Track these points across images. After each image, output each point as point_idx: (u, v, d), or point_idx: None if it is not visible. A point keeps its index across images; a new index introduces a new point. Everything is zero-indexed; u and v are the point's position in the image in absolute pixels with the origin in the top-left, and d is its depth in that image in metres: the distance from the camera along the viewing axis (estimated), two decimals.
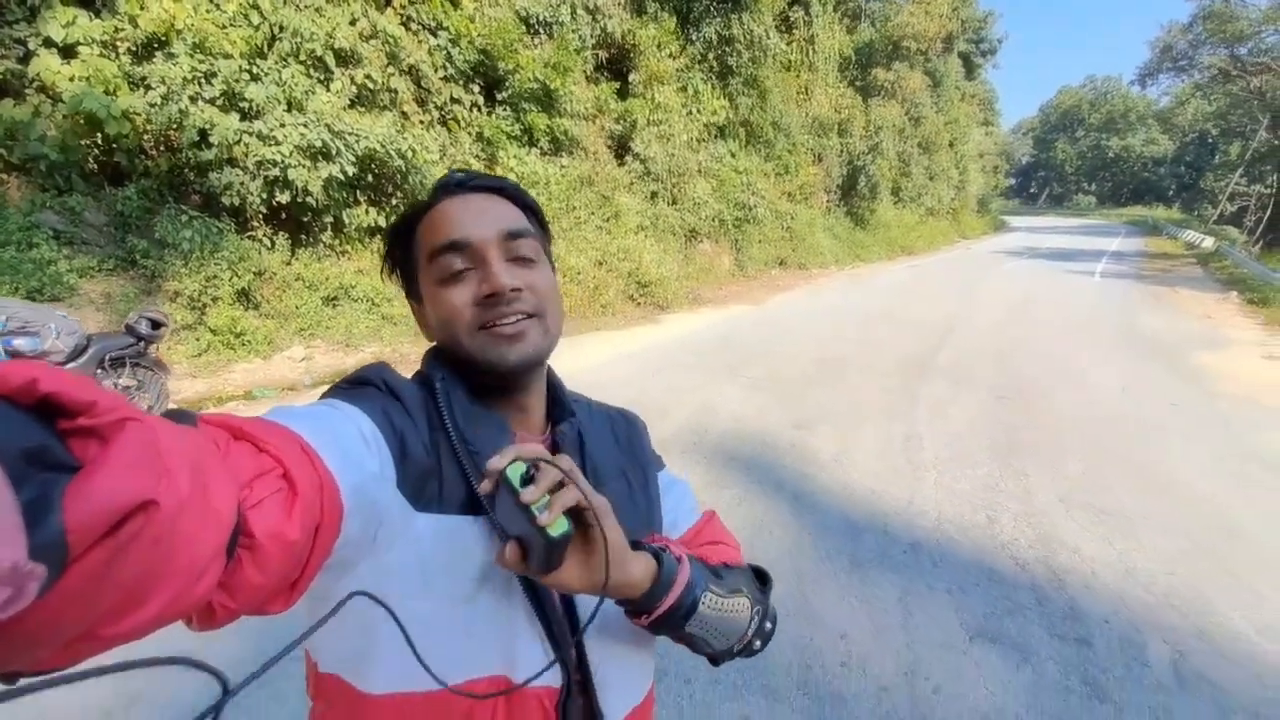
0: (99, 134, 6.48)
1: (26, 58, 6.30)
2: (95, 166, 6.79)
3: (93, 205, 6.68)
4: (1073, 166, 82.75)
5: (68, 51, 6.41)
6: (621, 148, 12.77)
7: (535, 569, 0.52)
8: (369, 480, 0.51)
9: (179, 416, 0.38)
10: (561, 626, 0.61)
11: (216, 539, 0.34)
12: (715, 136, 15.48)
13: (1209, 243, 26.28)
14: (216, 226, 6.84)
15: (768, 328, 9.30)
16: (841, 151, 21.23)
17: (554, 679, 0.60)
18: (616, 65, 13.05)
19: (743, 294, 13.17)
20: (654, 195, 12.88)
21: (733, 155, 16.09)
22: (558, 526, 0.49)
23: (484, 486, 0.53)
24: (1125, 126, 74.94)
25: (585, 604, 0.64)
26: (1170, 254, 25.23)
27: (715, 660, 0.67)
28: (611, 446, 0.74)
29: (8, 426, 0.26)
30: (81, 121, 6.28)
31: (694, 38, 14.46)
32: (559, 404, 0.72)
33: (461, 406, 0.63)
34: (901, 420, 5.31)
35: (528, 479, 0.51)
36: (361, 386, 0.61)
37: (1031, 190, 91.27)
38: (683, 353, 7.50)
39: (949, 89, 29.37)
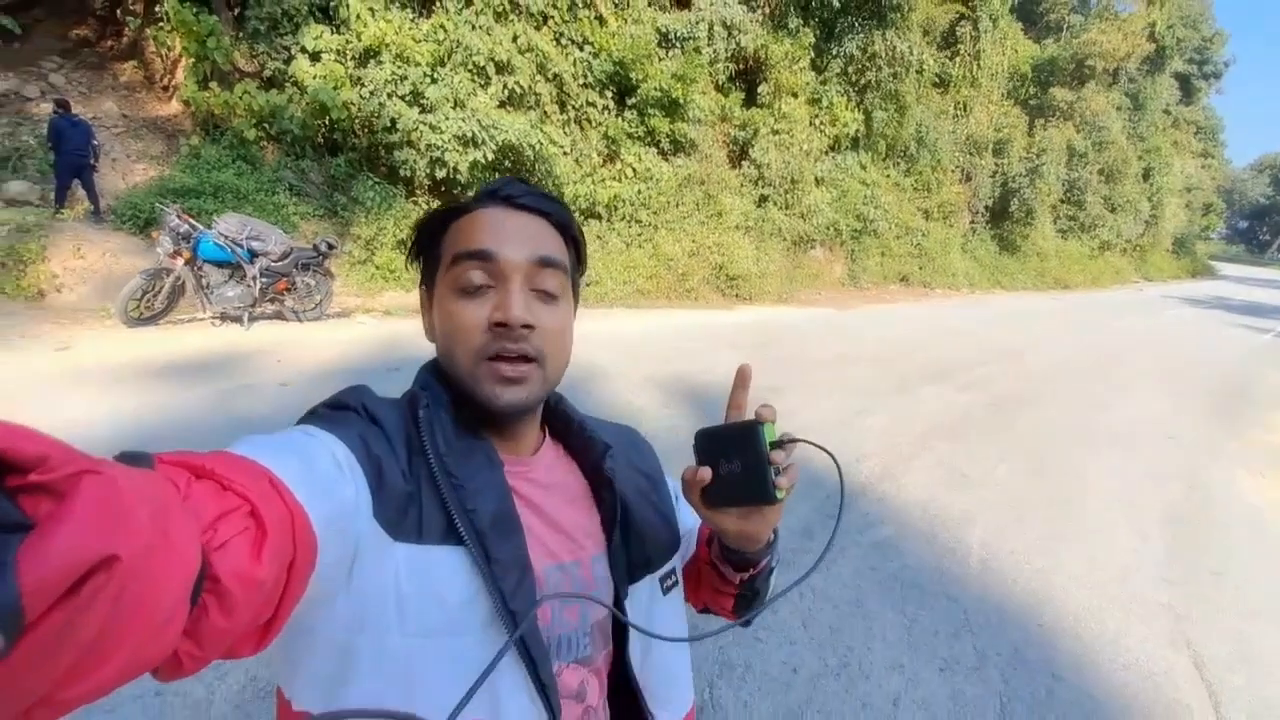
0: (326, 117, 9.01)
1: (288, 60, 8.96)
2: (321, 141, 9.39)
3: (316, 169, 9.29)
4: None
5: (314, 56, 8.99)
6: (742, 152, 13.90)
7: (730, 497, 0.60)
8: (343, 508, 0.50)
9: (134, 459, 0.36)
10: (547, 668, 0.57)
11: (180, 586, 0.33)
12: (847, 148, 15.97)
13: None
14: (391, 191, 9.18)
15: (822, 329, 10.06)
16: (995, 172, 20.41)
17: None
18: (749, 76, 14.16)
19: (841, 300, 13.75)
20: (764, 199, 13.86)
21: (863, 167, 16.46)
22: (781, 491, 0.57)
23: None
24: None
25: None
26: None
27: (749, 621, 0.68)
28: (628, 469, 0.73)
29: None
30: (316, 108, 8.82)
31: (835, 51, 15.07)
32: (590, 439, 0.71)
33: (445, 433, 0.60)
34: (821, 406, 6.11)
35: (776, 444, 0.57)
36: (340, 411, 0.60)
37: (1263, 237, 76.01)
38: (721, 336, 8.64)
39: (1153, 113, 26.43)
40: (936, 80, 19.54)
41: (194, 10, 8.17)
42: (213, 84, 8.48)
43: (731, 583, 0.69)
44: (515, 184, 0.65)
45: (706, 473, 0.59)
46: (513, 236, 0.62)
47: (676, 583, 0.72)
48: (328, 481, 0.50)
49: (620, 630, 0.66)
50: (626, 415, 4.85)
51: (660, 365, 6.36)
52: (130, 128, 8.67)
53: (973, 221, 20.46)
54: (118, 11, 9.15)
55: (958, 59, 19.59)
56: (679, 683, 0.71)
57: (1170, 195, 28.18)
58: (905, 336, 9.80)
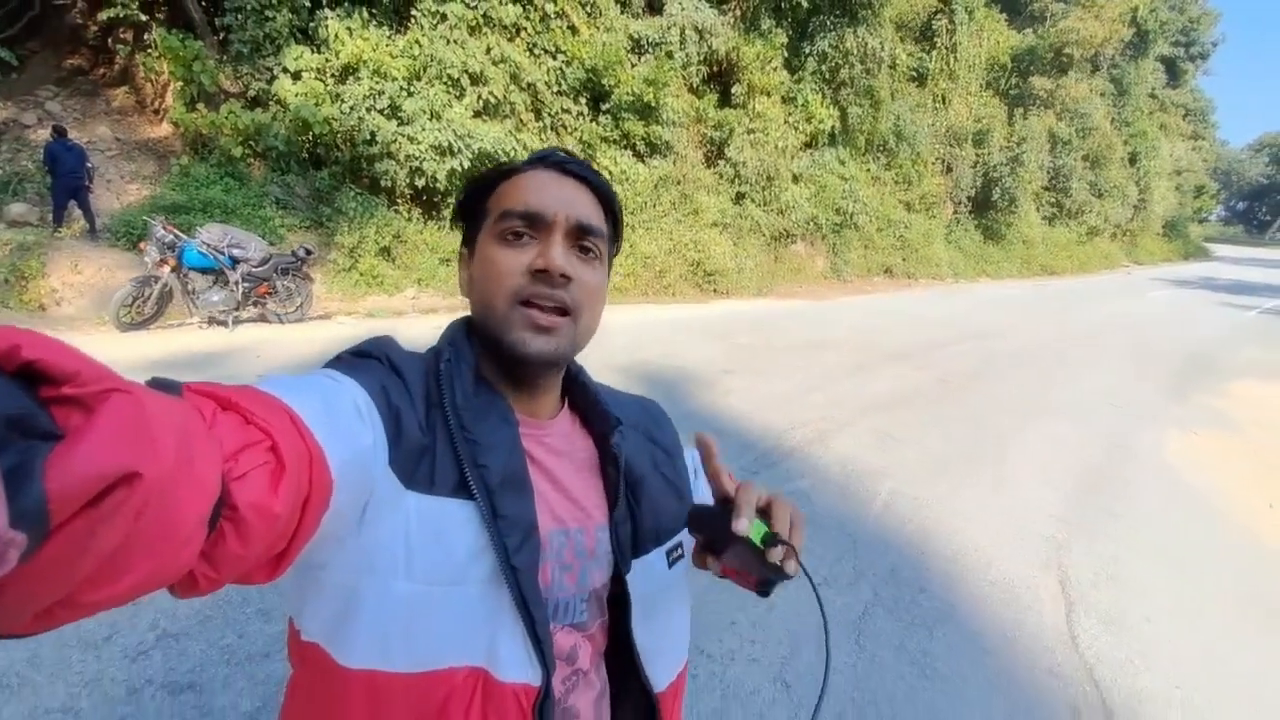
0: (309, 133, 9.42)
1: (271, 80, 9.40)
2: (305, 155, 9.81)
3: (301, 182, 9.71)
4: None
5: (296, 76, 9.42)
6: (718, 152, 14.27)
7: (742, 566, 0.59)
8: (360, 454, 0.51)
9: (164, 386, 0.38)
10: (544, 626, 0.58)
11: (199, 510, 0.34)
12: (825, 144, 16.31)
13: None
14: (373, 201, 9.58)
15: (793, 319, 10.39)
16: (976, 162, 20.69)
17: (534, 677, 0.58)
18: (723, 78, 14.54)
19: (821, 293, 14.06)
20: (741, 196, 14.21)
21: (841, 163, 16.79)
22: (790, 566, 0.56)
23: (739, 526, 0.54)
24: None
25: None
26: None
27: (768, 593, 0.63)
28: (642, 441, 0.75)
29: None
30: (299, 124, 9.24)
31: (808, 50, 15.43)
32: (603, 413, 0.71)
33: (464, 388, 0.61)
34: (773, 385, 6.44)
35: (769, 539, 0.55)
36: (363, 359, 0.61)
37: (1262, 217, 75.31)
38: (690, 327, 8.99)
39: (1137, 98, 26.67)
40: (914, 74, 19.88)
41: (180, 37, 8.62)
42: (200, 106, 8.92)
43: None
44: (562, 153, 0.68)
45: (698, 559, 0.64)
46: (560, 197, 0.64)
47: (683, 555, 0.73)
48: (347, 426, 0.51)
49: (619, 600, 0.66)
50: None
51: (623, 354, 6.70)
52: (123, 150, 9.11)
53: (956, 212, 20.73)
54: (109, 40, 9.61)
55: (935, 52, 19.93)
56: (677, 643, 0.73)
57: (1159, 179, 28.36)
58: (877, 324, 10.12)
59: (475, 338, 0.66)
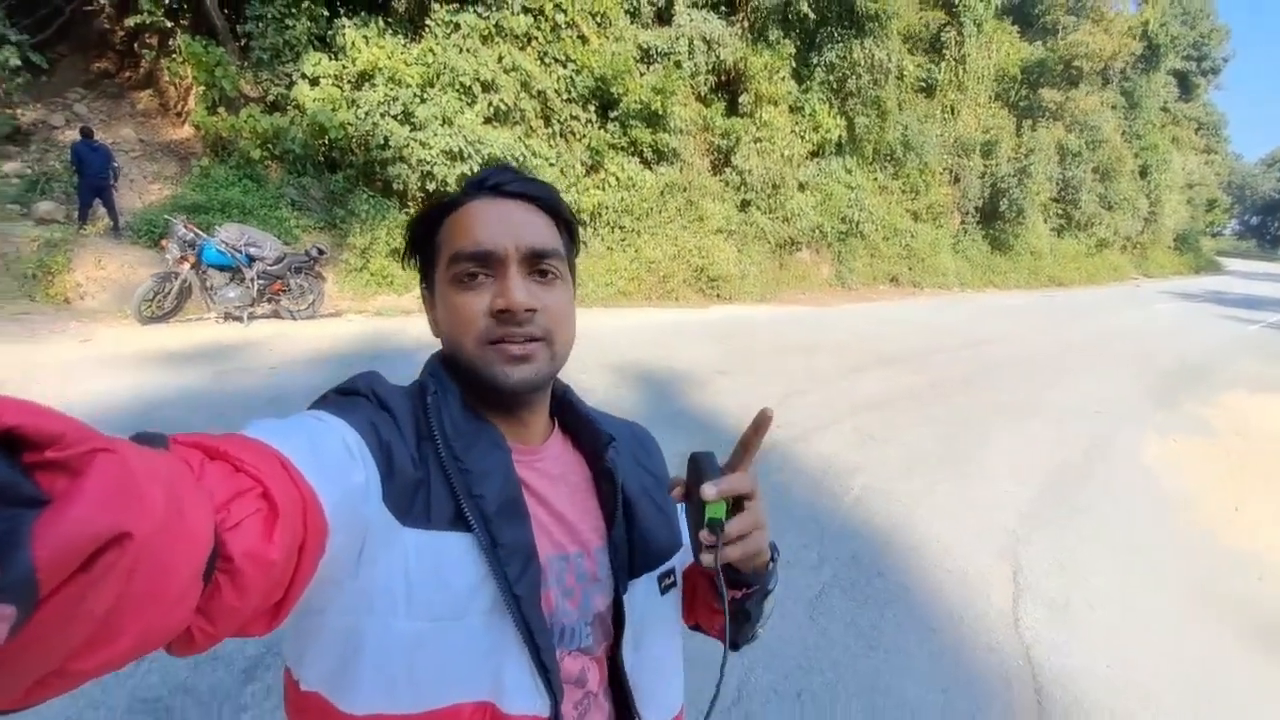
0: (325, 137, 9.75)
1: (290, 86, 9.74)
2: (321, 159, 10.14)
3: (316, 185, 10.04)
4: None
5: (314, 81, 9.76)
6: (725, 160, 14.50)
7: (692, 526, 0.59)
8: (353, 495, 0.51)
9: (150, 440, 0.37)
10: (550, 653, 0.58)
11: (193, 564, 0.34)
12: (831, 153, 16.50)
13: None
14: (385, 204, 9.89)
15: (792, 324, 10.57)
16: (984, 173, 20.81)
17: (542, 707, 0.58)
18: (731, 87, 14.78)
19: (824, 300, 14.23)
20: (746, 204, 14.42)
21: (848, 171, 16.97)
22: (706, 556, 0.56)
23: (703, 536, 0.56)
24: None
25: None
26: None
27: (737, 645, 0.67)
28: (634, 466, 0.74)
29: None
30: (315, 129, 9.57)
31: (815, 61, 15.64)
32: (594, 431, 0.71)
33: (454, 419, 0.61)
34: (764, 386, 6.62)
35: (715, 523, 0.55)
36: (349, 397, 0.60)
37: (1275, 232, 74.16)
38: (688, 331, 9.20)
39: (1149, 111, 26.66)
40: (923, 85, 20.04)
41: (204, 43, 8.98)
42: (221, 109, 9.27)
43: (723, 598, 0.63)
44: (502, 172, 0.66)
45: (679, 492, 0.61)
46: (506, 228, 0.62)
47: (675, 583, 0.72)
48: (338, 466, 0.51)
49: (617, 625, 0.66)
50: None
51: (618, 354, 6.93)
52: (146, 151, 9.48)
53: (963, 222, 20.84)
54: (135, 45, 10.01)
55: (944, 64, 20.09)
56: (670, 682, 0.71)
57: (1170, 192, 28.29)
58: (876, 330, 10.29)
59: (455, 373, 0.66)
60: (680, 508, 0.74)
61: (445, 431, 0.60)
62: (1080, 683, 2.43)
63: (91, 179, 7.78)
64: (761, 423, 0.60)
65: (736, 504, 0.57)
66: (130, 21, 9.14)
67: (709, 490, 0.55)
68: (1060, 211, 23.66)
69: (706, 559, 0.56)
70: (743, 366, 7.02)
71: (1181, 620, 2.95)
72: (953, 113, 20.57)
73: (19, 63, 8.10)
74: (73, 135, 8.32)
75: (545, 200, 0.67)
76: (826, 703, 2.18)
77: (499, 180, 0.65)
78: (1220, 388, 8.39)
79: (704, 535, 0.55)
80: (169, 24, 9.17)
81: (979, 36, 20.14)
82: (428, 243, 0.67)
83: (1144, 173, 26.82)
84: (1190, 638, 2.82)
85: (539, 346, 0.63)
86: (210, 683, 2.01)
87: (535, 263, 0.63)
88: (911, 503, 3.86)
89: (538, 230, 0.64)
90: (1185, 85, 30.96)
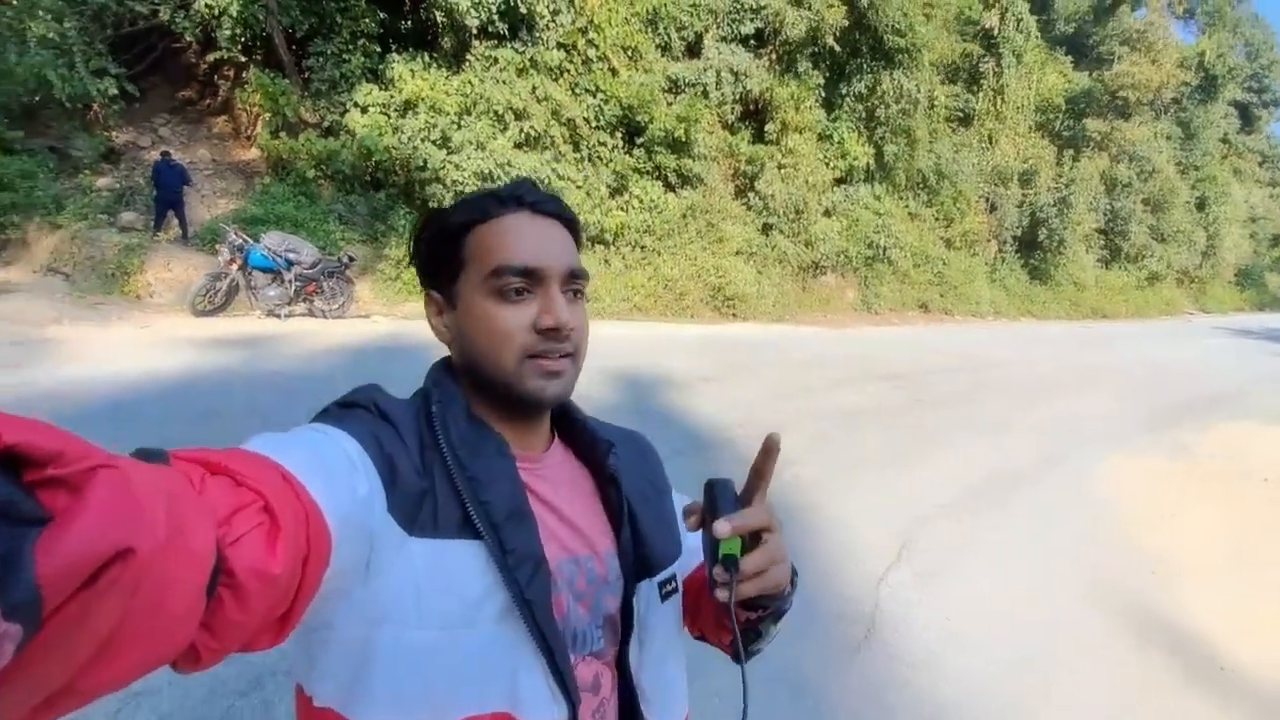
0: (371, 159, 10.77)
1: (343, 113, 10.84)
2: (367, 179, 11.18)
3: (361, 202, 11.06)
4: None
5: (364, 110, 10.82)
6: (749, 185, 15.02)
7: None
8: (358, 506, 0.51)
9: (150, 456, 0.37)
10: (565, 658, 0.58)
11: (196, 580, 0.34)
12: (859, 180, 16.81)
13: None
14: None
15: (798, 342, 10.89)
16: (1023, 202, 20.63)
17: (560, 715, 0.58)
18: (759, 116, 15.35)
19: (844, 322, 14.46)
20: (769, 228, 14.86)
21: (876, 198, 17.22)
22: (721, 592, 0.55)
23: (720, 529, 0.55)
24: None
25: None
26: None
27: (739, 658, 0.64)
28: (635, 473, 0.74)
29: None
30: (363, 152, 10.60)
31: (844, 91, 16.06)
32: (595, 439, 0.72)
33: (458, 427, 0.61)
34: (745, 392, 6.97)
35: (730, 560, 0.55)
36: (351, 409, 0.60)
37: None
38: (690, 344, 9.65)
39: (1206, 142, 25.83)
40: (959, 115, 20.14)
41: (272, 75, 10.16)
42: (282, 134, 10.41)
43: (735, 631, 0.59)
44: (531, 189, 0.67)
45: (694, 520, 0.60)
46: (550, 247, 0.64)
47: (675, 590, 0.72)
48: (341, 478, 0.51)
49: (624, 629, 0.67)
50: None
51: (612, 360, 7.46)
52: (217, 170, 10.70)
53: (1000, 250, 20.64)
54: (215, 77, 11.35)
55: (981, 94, 20.16)
56: (674, 691, 0.71)
57: (1230, 225, 27.14)
58: (881, 350, 10.50)
59: (463, 379, 0.67)
60: (683, 515, 0.74)
61: (450, 439, 0.60)
62: (911, 629, 2.77)
63: (167, 193, 8.91)
64: (769, 448, 0.60)
65: (755, 537, 0.57)
66: (211, 57, 10.44)
67: (722, 528, 0.55)
68: (1106, 243, 23.09)
69: (721, 595, 0.55)
70: (732, 375, 7.44)
71: (1049, 597, 3.21)
72: (990, 141, 20.55)
73: (116, 91, 9.37)
74: (155, 155, 9.53)
75: (573, 222, 0.69)
76: None
77: (535, 199, 0.66)
78: (1229, 417, 8.25)
79: (718, 572, 0.55)
80: (244, 59, 10.42)
81: (1018, 67, 20.15)
82: (450, 250, 0.66)
83: (1201, 205, 25.89)
84: (1049, 610, 3.09)
85: (568, 362, 0.65)
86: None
87: (570, 282, 0.65)
88: (833, 490, 4.20)
89: (573, 251, 0.67)
90: (1247, 117, 29.81)
